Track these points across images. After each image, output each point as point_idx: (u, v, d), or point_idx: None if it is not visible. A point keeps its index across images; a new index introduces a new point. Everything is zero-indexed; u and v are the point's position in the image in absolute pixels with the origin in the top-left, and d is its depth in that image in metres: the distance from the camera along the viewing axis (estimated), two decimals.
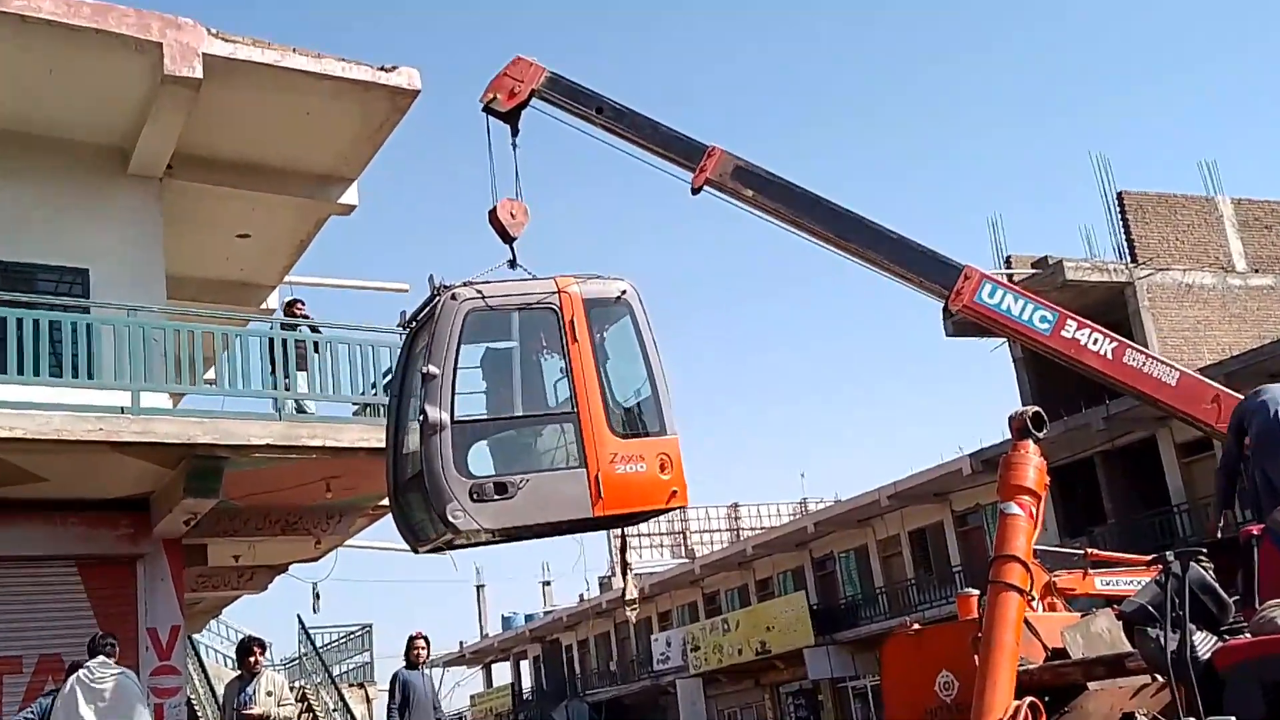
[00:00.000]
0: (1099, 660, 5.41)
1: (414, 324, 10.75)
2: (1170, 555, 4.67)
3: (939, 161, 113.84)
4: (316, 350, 13.38)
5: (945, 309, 9.63)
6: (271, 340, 13.23)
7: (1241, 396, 8.66)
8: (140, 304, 12.88)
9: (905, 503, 37.39)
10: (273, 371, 12.95)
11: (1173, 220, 31.92)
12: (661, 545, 56.98)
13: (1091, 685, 5.36)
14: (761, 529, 51.81)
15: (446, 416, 9.65)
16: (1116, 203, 31.63)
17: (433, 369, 9.72)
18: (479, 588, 70.13)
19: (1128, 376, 9.02)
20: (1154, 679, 4.85)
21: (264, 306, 17.64)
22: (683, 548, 56.75)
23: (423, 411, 9.74)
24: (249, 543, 15.80)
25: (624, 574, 11.71)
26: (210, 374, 14.19)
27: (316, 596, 19.97)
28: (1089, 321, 9.12)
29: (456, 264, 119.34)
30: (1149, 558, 7.87)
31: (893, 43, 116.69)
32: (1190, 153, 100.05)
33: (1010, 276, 31.80)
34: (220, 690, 17.81)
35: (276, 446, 12.61)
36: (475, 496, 9.60)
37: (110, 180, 14.32)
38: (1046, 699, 5.21)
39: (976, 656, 5.28)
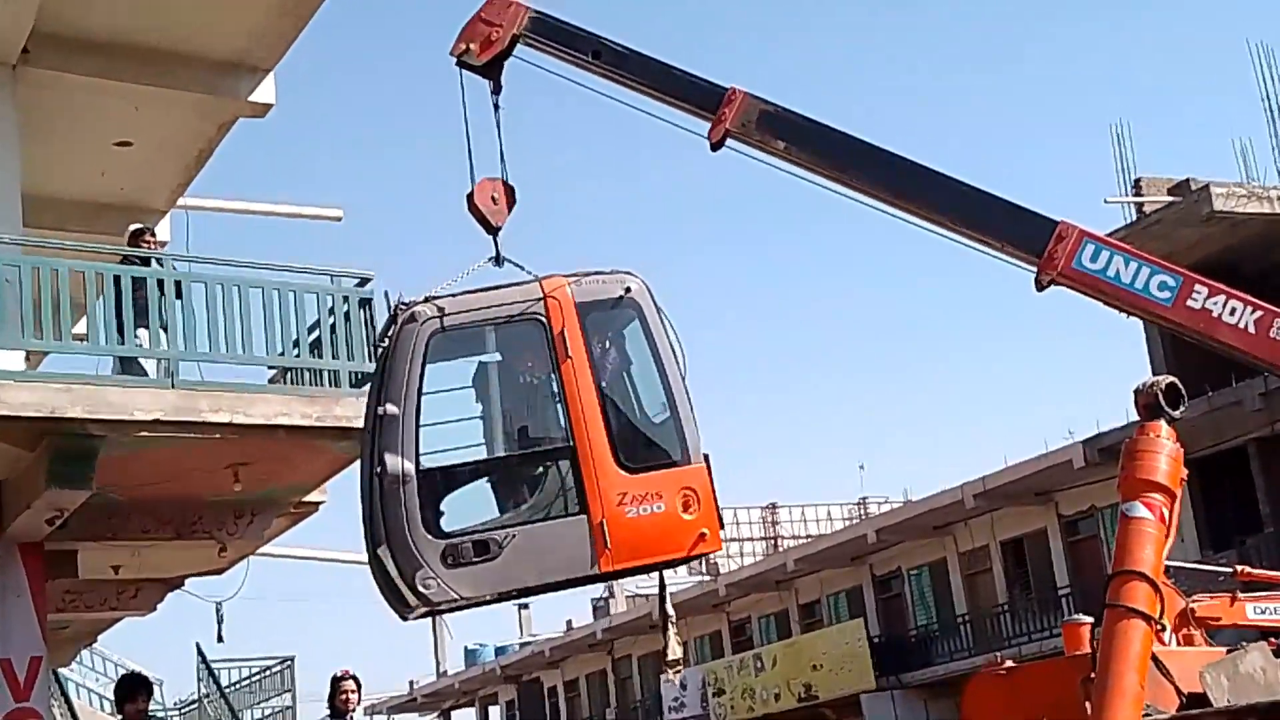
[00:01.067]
0: (1251, 710, 5.44)
1: (380, 347, 10.93)
2: None
3: (1047, 50, 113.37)
4: (175, 295, 13.28)
5: (1037, 280, 9.62)
6: (161, 283, 13.23)
7: None
8: None
9: (997, 504, 37.47)
10: (132, 324, 12.98)
11: None
12: None
13: None
14: (807, 537, 52.10)
15: (410, 466, 9.84)
16: None
17: (390, 409, 9.91)
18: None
19: (1278, 355, 9.02)
20: None
21: (155, 239, 17.62)
22: (703, 562, 56.97)
23: (380, 461, 9.92)
24: (133, 549, 15.84)
25: (664, 626, 11.81)
26: (81, 327, 14.19)
27: (221, 620, 20.07)
28: (1223, 286, 9.06)
29: (409, 188, 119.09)
30: None
31: None
32: None
33: (1141, 206, 31.79)
34: None
35: (169, 423, 12.62)
36: (450, 561, 9.80)
37: None
38: None
39: (1089, 703, 5.31)
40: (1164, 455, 5.71)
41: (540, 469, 10.63)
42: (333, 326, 13.57)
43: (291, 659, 26.00)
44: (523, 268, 10.97)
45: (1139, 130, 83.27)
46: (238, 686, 25.70)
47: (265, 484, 14.46)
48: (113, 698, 12.88)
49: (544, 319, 10.20)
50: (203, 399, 12.81)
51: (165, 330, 13.14)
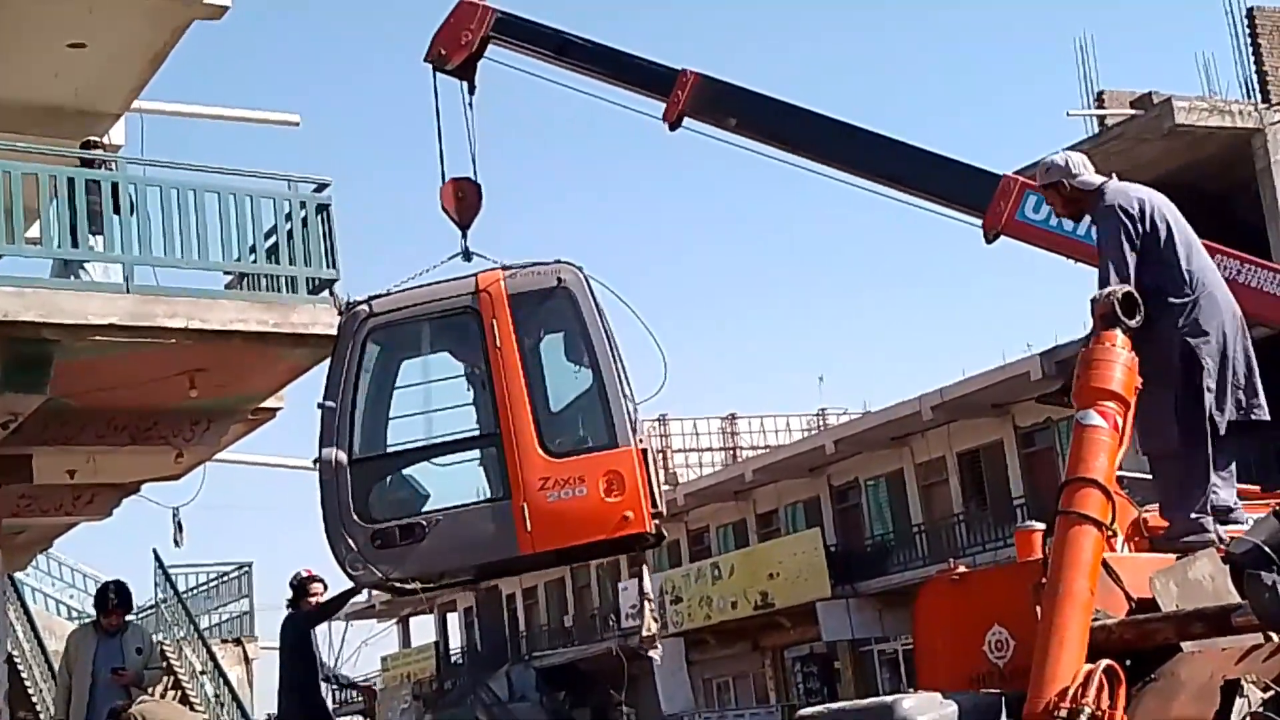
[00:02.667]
0: (1197, 614, 5.48)
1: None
2: None
3: None
4: (116, 209, 13.20)
5: (984, 233, 9.69)
6: (116, 188, 13.13)
7: None
8: None
9: (954, 416, 37.72)
10: (86, 229, 12.91)
11: None
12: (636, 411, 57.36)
13: (1187, 646, 5.44)
14: (765, 448, 52.28)
15: (344, 456, 10.38)
16: (1246, 24, 31.48)
17: (328, 402, 10.47)
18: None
19: (1241, 300, 9.05)
20: (1268, 638, 4.92)
21: (107, 141, 17.46)
22: (662, 471, 57.18)
23: (320, 453, 10.46)
24: (88, 454, 15.82)
25: (642, 606, 12.11)
26: (34, 231, 14.08)
27: (178, 526, 20.05)
28: None
29: (369, 96, 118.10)
30: (1267, 491, 8.01)
31: None
32: None
33: (1103, 119, 31.79)
34: (54, 645, 17.97)
35: (124, 328, 12.57)
36: (378, 543, 10.36)
37: None
38: (1128, 662, 5.30)
39: (1039, 608, 5.35)
40: (1119, 364, 5.73)
41: (468, 455, 11.03)
42: (290, 233, 13.50)
43: (249, 565, 26.13)
44: (487, 258, 11.26)
45: (1103, 44, 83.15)
46: (195, 592, 25.79)
47: (222, 391, 14.43)
48: (93, 605, 12.90)
49: (477, 311, 10.51)
50: (158, 305, 12.75)
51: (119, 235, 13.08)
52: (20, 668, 20.20)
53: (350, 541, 10.27)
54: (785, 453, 46.17)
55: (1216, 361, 6.54)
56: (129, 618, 13.10)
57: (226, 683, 22.11)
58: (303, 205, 13.54)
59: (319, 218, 13.56)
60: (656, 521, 10.68)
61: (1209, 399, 6.46)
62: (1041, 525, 5.94)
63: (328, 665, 12.86)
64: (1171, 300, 6.65)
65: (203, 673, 22.61)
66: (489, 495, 10.56)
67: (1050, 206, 7.59)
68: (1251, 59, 31.37)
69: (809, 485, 44.30)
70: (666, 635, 43.77)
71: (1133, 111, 31.43)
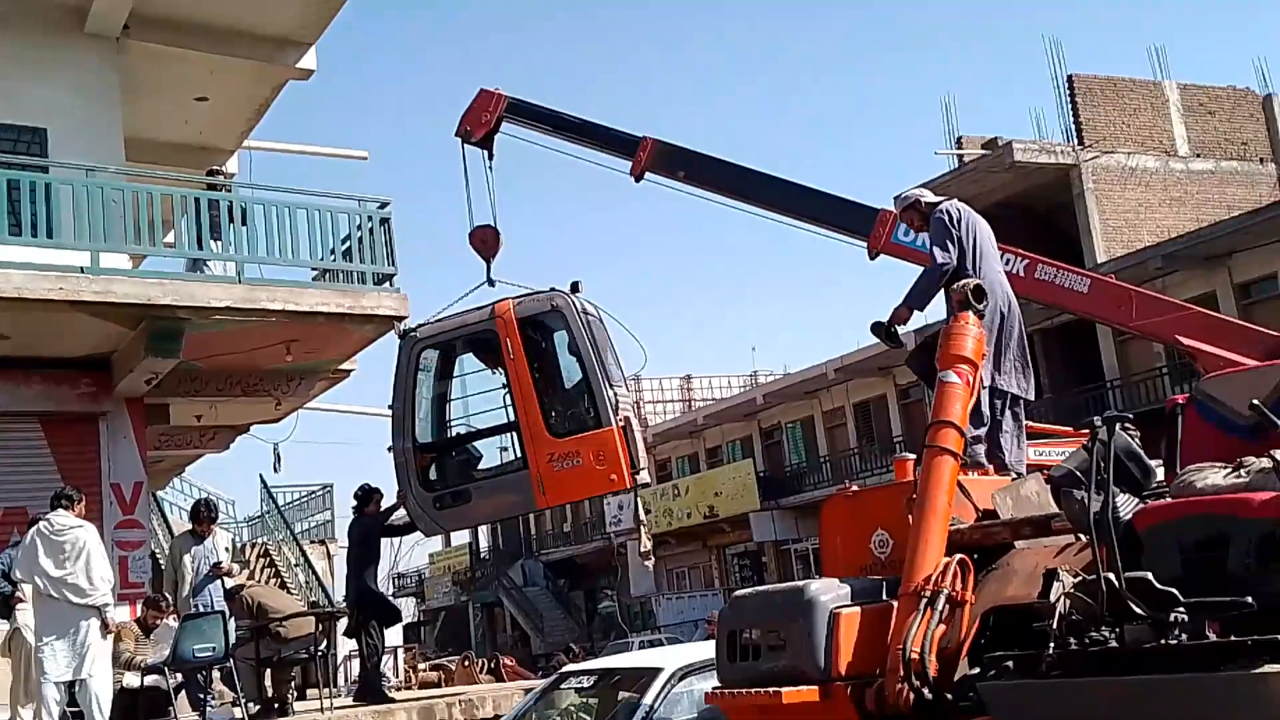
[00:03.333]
0: (1026, 521, 5.50)
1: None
2: (1098, 422, 4.73)
3: (894, 42, 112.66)
4: (231, 219, 13.15)
5: (869, 252, 9.71)
6: (231, 206, 13.08)
7: (1159, 296, 8.95)
8: (98, 164, 12.64)
9: (851, 376, 37.78)
10: (208, 236, 12.85)
11: (1120, 104, 31.84)
12: (629, 390, 57.30)
13: (1018, 544, 5.45)
14: (712, 400, 52.22)
15: (409, 444, 10.68)
16: (1066, 86, 31.51)
17: (396, 404, 10.68)
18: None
19: (1040, 291, 9.11)
20: (1077, 538, 4.93)
21: (225, 171, 17.36)
22: (636, 415, 57.23)
23: (391, 441, 10.74)
24: (210, 403, 15.79)
25: (637, 527, 12.49)
26: (169, 237, 14.02)
27: (278, 457, 20.10)
28: (1001, 245, 9.10)
29: (416, 136, 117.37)
30: (1079, 430, 8.02)
31: None
32: (1140, 38, 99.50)
33: (961, 157, 31.80)
34: None
35: (236, 309, 12.54)
36: (438, 505, 10.72)
37: (67, 39, 13.96)
38: (975, 556, 5.31)
39: (911, 517, 5.36)
40: (970, 337, 5.72)
41: (497, 439, 11.35)
42: (360, 239, 13.47)
43: (330, 485, 26.02)
44: (507, 283, 11.48)
45: (962, 101, 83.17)
46: (290, 506, 25.72)
47: (310, 356, 14.42)
48: (189, 514, 12.84)
49: (495, 332, 10.67)
50: (262, 292, 12.72)
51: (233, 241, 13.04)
52: (161, 561, 20.15)
53: (418, 505, 10.71)
54: (727, 403, 46.22)
55: (993, 333, 6.57)
56: (224, 521, 13.02)
57: (314, 572, 22.09)
58: (370, 218, 13.50)
59: (382, 228, 13.53)
60: (636, 475, 10.93)
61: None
62: (913, 456, 5.94)
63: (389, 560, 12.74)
64: (974, 264, 6.81)
65: (296, 565, 22.58)
66: (514, 467, 10.82)
67: (909, 224, 7.62)
68: (1070, 113, 31.42)
69: (744, 427, 44.32)
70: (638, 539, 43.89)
71: (983, 151, 31.47)
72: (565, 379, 11.05)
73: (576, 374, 10.83)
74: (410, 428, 10.79)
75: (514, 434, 10.73)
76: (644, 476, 11.14)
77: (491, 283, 11.50)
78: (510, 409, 10.69)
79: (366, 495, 12.57)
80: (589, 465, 10.47)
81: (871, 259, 9.68)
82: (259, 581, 13.91)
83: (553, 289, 10.88)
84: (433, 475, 10.97)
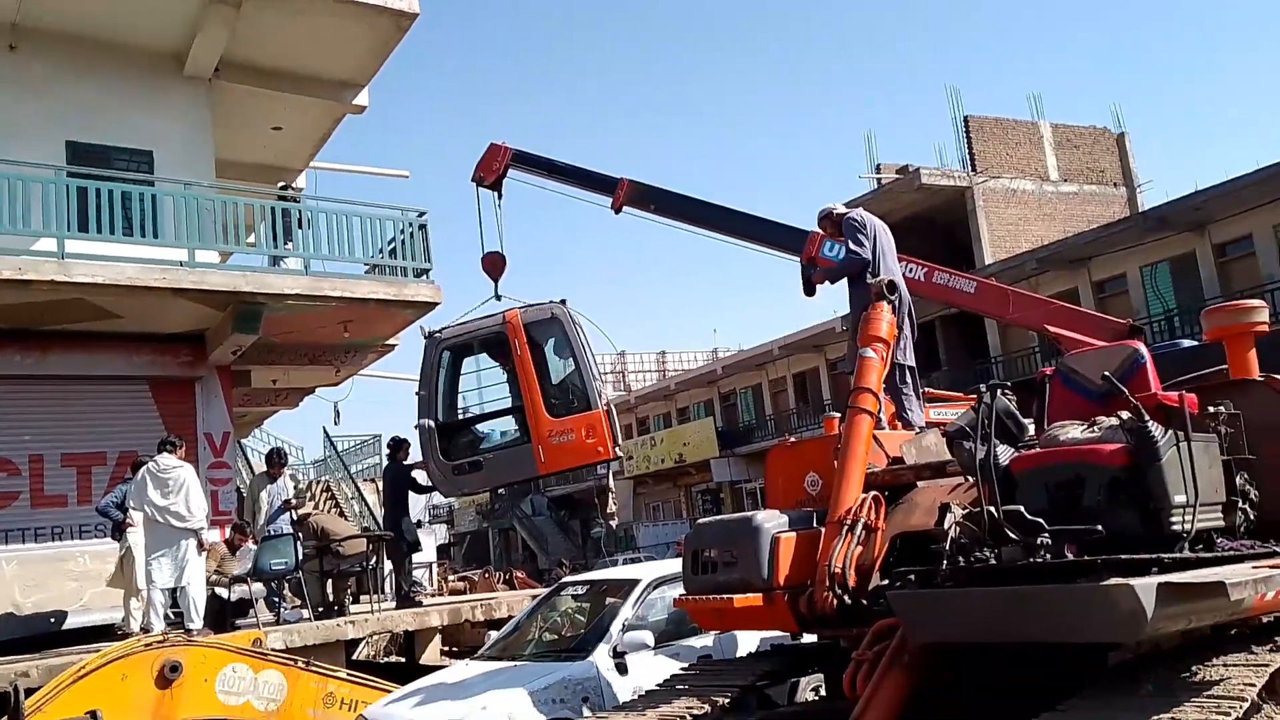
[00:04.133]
0: (927, 466, 5.53)
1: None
2: (983, 388, 4.75)
3: (828, 90, 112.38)
4: (299, 225, 13.07)
5: (802, 265, 9.74)
6: (300, 214, 12.99)
7: (1031, 294, 9.01)
8: (194, 180, 12.55)
9: (792, 352, 37.80)
10: (282, 238, 12.76)
11: (1005, 139, 31.82)
12: (605, 381, 57.31)
13: (920, 484, 5.48)
14: (682, 370, 52.24)
15: (432, 423, 10.63)
16: (963, 125, 31.47)
17: (422, 392, 10.71)
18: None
19: (936, 292, 9.14)
20: (966, 479, 4.96)
21: (295, 186, 17.23)
22: (622, 383, 57.20)
23: (418, 420, 10.73)
24: (284, 370, 15.71)
25: (608, 497, 12.34)
26: (251, 238, 13.92)
27: (337, 413, 20.08)
28: (903, 255, 9.13)
29: (453, 154, 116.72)
30: (968, 395, 8.06)
31: None
32: (1021, 87, 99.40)
33: (879, 180, 31.74)
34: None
35: (304, 296, 12.47)
36: (457, 472, 10.66)
37: (169, 80, 13.81)
38: (886, 494, 5.34)
39: (836, 462, 5.38)
40: (885, 321, 5.73)
41: (507, 419, 11.47)
42: (403, 241, 13.40)
43: (379, 435, 25.92)
44: (512, 298, 11.58)
45: (881, 135, 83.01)
46: (347, 451, 25.63)
47: (363, 333, 14.35)
48: (265, 459, 12.79)
49: (505, 334, 10.67)
50: (325, 282, 12.65)
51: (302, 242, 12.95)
52: (243, 494, 20.09)
53: (439, 472, 10.78)
54: (693, 373, 46.20)
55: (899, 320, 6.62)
56: (294, 463, 12.98)
57: (366, 504, 22.03)
58: (410, 224, 13.43)
59: (420, 232, 13.45)
60: (616, 450, 11.07)
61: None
62: (838, 414, 5.96)
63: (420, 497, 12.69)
64: (869, 279, 6.82)
65: (352, 499, 22.50)
66: (519, 441, 10.97)
67: (824, 232, 7.62)
68: (966, 145, 31.39)
69: (707, 392, 44.34)
70: (621, 478, 43.94)
71: (896, 175, 31.41)
72: (560, 372, 11.21)
73: (569, 368, 11.02)
74: (434, 410, 10.85)
75: (519, 415, 10.86)
76: (618, 451, 11.32)
77: (499, 297, 11.73)
78: (517, 395, 10.86)
79: (397, 445, 12.55)
80: (580, 439, 10.62)
81: (806, 274, 9.74)
82: (322, 511, 13.85)
83: (551, 301, 11.08)
84: (452, 448, 11.05)
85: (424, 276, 13.38)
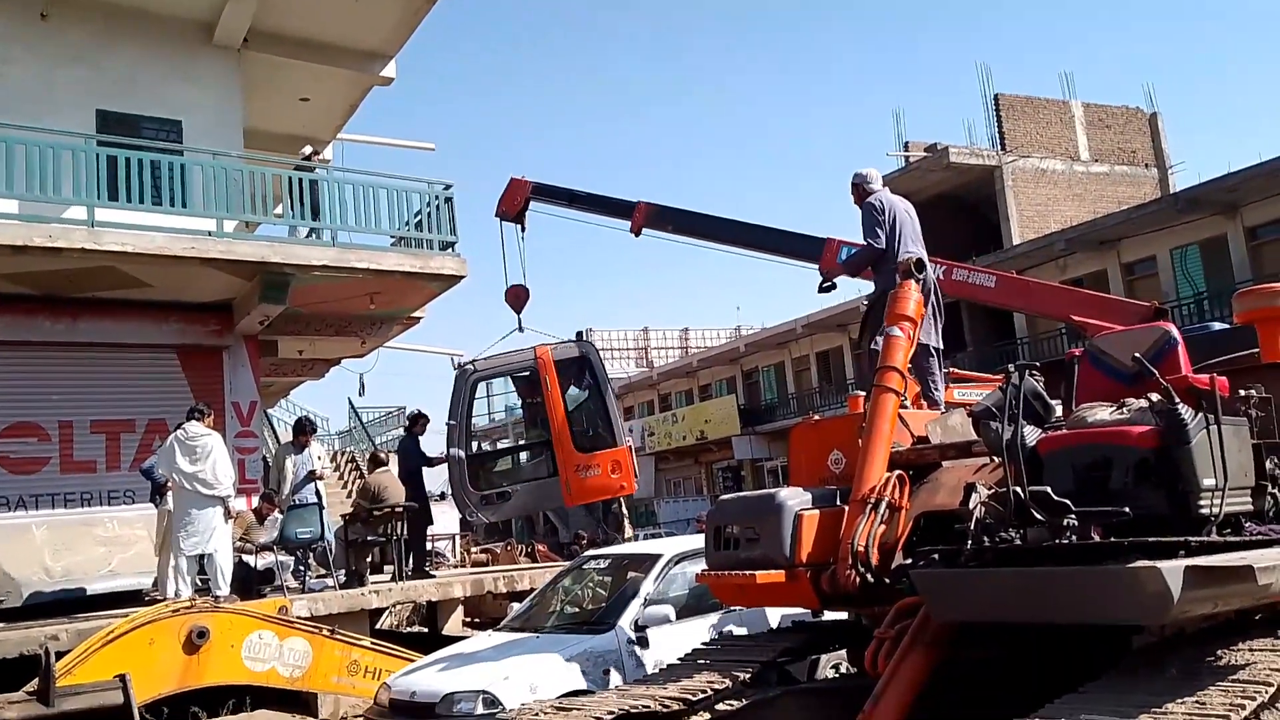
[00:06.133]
0: (952, 445, 5.49)
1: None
2: (1012, 368, 4.72)
3: (853, 65, 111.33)
4: (313, 195, 13.09)
5: (820, 273, 9.74)
6: (324, 184, 13.01)
7: (1052, 284, 8.95)
8: (223, 150, 12.59)
9: (815, 331, 37.64)
10: (310, 208, 12.80)
11: (1036, 118, 31.46)
12: (628, 358, 57.29)
13: (945, 463, 5.46)
14: (705, 347, 52.16)
15: (463, 453, 11.07)
16: (993, 103, 31.13)
17: (451, 422, 11.08)
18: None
19: (957, 288, 9.12)
20: (992, 460, 4.94)
21: (321, 157, 17.26)
22: (645, 360, 57.14)
23: (448, 451, 11.12)
24: (310, 340, 15.81)
25: (623, 523, 12.70)
26: (279, 209, 13.97)
27: (362, 384, 20.09)
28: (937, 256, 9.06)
29: (480, 128, 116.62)
30: (995, 375, 8.02)
31: None
32: (1053, 65, 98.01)
33: (908, 158, 31.48)
34: None
35: (331, 267, 12.52)
36: (485, 503, 11.06)
37: (198, 49, 13.84)
38: (911, 473, 5.31)
39: (860, 441, 5.36)
40: (912, 300, 5.69)
41: (535, 452, 11.90)
42: (429, 214, 13.41)
43: (403, 408, 26.08)
44: (537, 331, 12.17)
45: (909, 112, 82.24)
46: (372, 422, 25.82)
47: (389, 306, 14.41)
48: (293, 428, 12.89)
49: (536, 370, 11.05)
50: (351, 254, 12.70)
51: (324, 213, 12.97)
52: (269, 464, 20.27)
53: (467, 501, 11.15)
54: (716, 351, 46.08)
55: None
56: (321, 433, 13.08)
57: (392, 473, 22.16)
58: (436, 197, 13.44)
59: (446, 205, 13.46)
60: (636, 483, 11.54)
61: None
62: (863, 393, 5.94)
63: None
64: (888, 258, 6.81)
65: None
66: (547, 474, 11.26)
67: (853, 198, 7.51)
68: (996, 124, 31.07)
69: (730, 369, 44.27)
70: (644, 454, 44.00)
71: (925, 154, 31.13)
72: (586, 407, 11.60)
73: (598, 405, 11.47)
74: (465, 441, 11.25)
75: (549, 448, 11.22)
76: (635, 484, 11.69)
77: (522, 329, 12.06)
78: (545, 429, 11.19)
79: (414, 420, 12.63)
80: (605, 474, 11.26)
81: (823, 277, 9.74)
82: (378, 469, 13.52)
83: (578, 336, 11.49)
84: (480, 478, 11.40)
85: (449, 249, 13.41)
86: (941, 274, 8.59)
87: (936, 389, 6.79)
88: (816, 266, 9.71)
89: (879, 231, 6.87)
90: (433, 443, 12.95)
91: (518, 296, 12.24)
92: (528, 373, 11.42)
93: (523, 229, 12.38)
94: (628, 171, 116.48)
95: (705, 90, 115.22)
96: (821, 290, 7.62)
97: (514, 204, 12.17)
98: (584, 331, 11.71)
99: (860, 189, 7.28)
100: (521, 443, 11.91)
